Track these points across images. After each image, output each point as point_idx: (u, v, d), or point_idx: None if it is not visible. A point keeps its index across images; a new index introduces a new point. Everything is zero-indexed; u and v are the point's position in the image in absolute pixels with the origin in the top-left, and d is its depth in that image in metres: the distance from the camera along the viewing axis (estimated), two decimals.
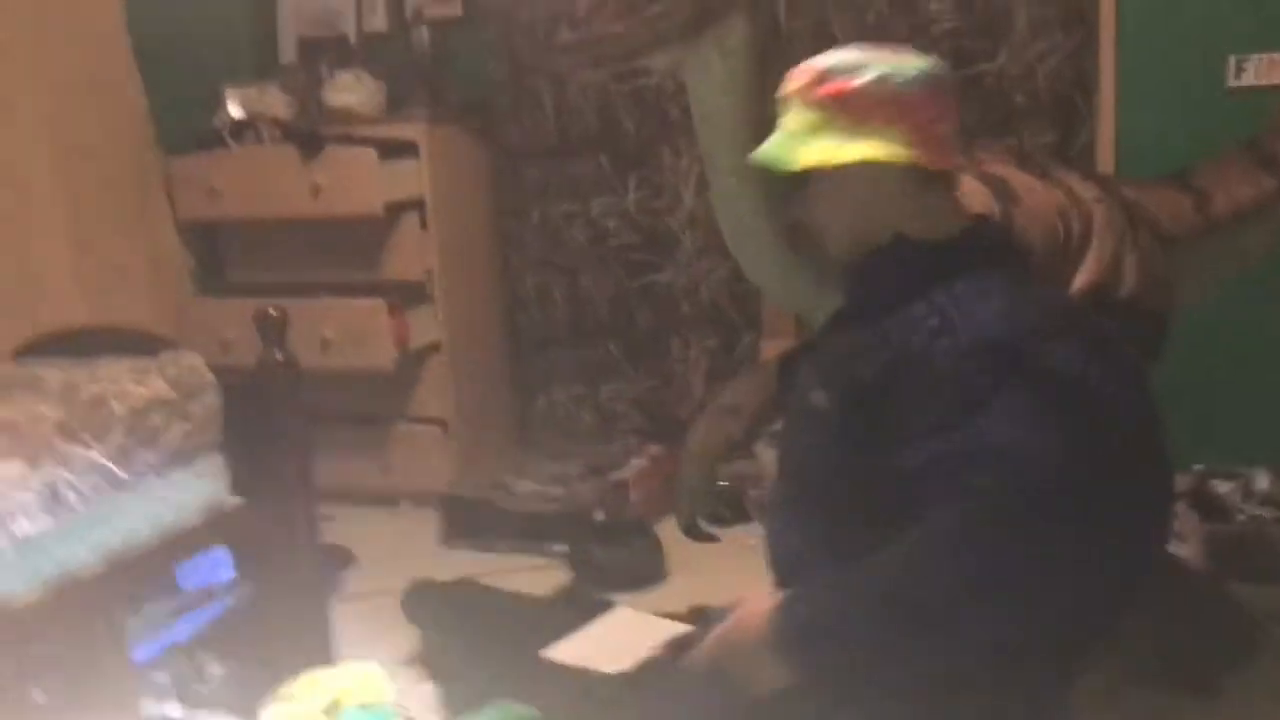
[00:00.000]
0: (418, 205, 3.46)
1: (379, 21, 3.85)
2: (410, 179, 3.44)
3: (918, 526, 1.30)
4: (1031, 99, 3.09)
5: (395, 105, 3.62)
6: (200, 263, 3.66)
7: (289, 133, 3.44)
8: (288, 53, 3.88)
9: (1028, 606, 1.30)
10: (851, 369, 1.42)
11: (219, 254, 3.71)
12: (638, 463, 3.38)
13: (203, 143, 3.55)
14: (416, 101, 3.59)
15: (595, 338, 3.71)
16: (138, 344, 2.79)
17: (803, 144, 1.47)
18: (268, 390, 2.59)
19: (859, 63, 1.46)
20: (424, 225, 3.46)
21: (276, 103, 3.58)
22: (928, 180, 1.48)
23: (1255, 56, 2.88)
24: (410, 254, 3.46)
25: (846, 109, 1.44)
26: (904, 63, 1.46)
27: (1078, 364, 1.32)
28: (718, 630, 1.43)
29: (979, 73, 3.13)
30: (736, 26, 1.81)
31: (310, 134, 3.39)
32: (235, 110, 3.58)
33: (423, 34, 3.64)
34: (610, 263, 3.66)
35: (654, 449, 3.48)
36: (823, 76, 1.47)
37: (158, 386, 2.46)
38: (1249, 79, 2.89)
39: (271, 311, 2.59)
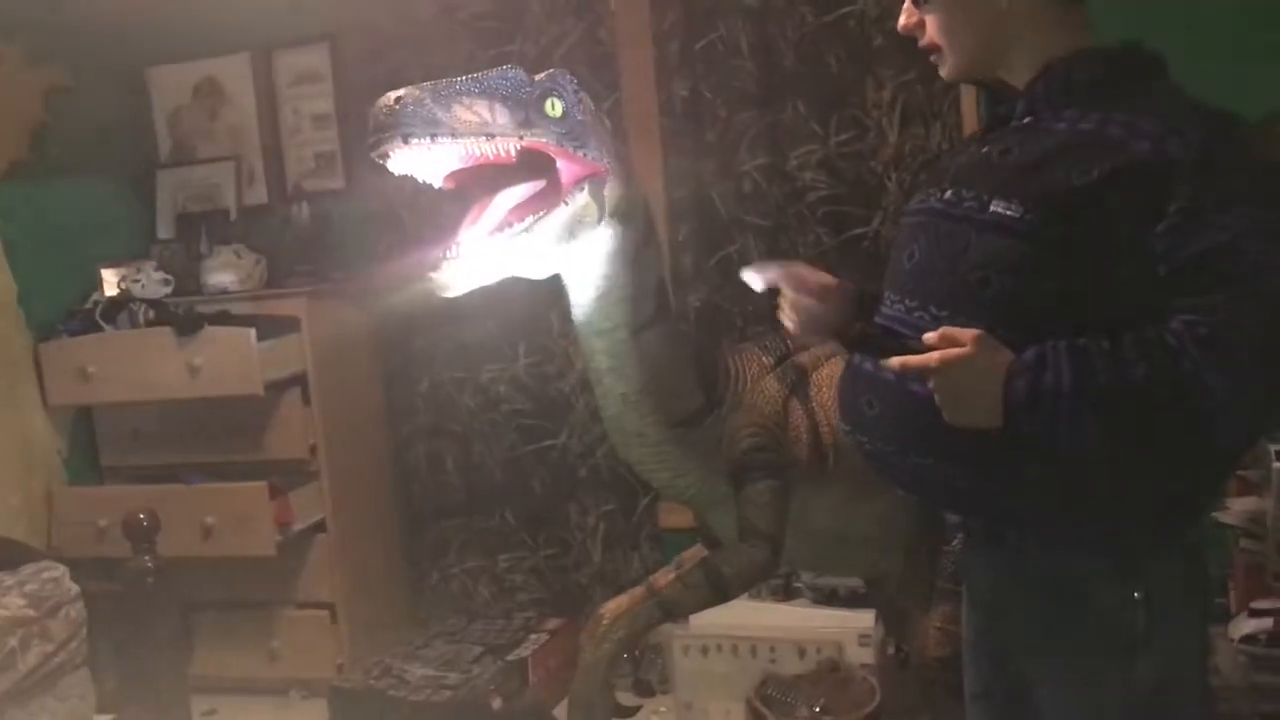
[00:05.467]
0: (300, 381, 3.38)
1: (259, 194, 3.82)
2: (292, 354, 3.37)
3: (1184, 325, 1.26)
4: (891, 39, 3.08)
5: (276, 278, 3.57)
6: (73, 448, 3.53)
7: (164, 313, 3.35)
8: (166, 228, 3.82)
9: (1262, 426, 1.32)
10: (1051, 175, 1.35)
11: (93, 439, 3.57)
12: (537, 638, 3.28)
13: (75, 325, 3.44)
14: (298, 274, 3.54)
15: (490, 506, 3.63)
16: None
17: None
18: (137, 599, 2.48)
19: None
20: (306, 401, 3.38)
21: (152, 281, 3.50)
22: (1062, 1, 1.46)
23: None
24: (293, 431, 3.37)
25: None
26: None
27: None
28: (959, 353, 1.32)
29: (841, 16, 3.17)
30: (612, 232, 1.80)
31: (186, 314, 3.31)
32: (110, 291, 3.49)
33: (303, 207, 3.62)
34: (502, 429, 3.60)
35: (554, 622, 3.39)
36: None
37: (15, 605, 2.34)
38: None
39: (140, 517, 2.49)
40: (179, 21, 3.78)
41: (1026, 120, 1.44)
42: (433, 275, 1.64)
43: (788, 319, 1.71)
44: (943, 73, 1.54)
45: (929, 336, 1.34)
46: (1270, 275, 1.26)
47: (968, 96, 3.10)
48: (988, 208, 1.38)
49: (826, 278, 1.71)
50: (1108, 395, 1.27)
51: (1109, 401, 1.28)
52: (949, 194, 1.46)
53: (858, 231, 3.21)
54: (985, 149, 1.47)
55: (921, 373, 1.35)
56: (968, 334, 1.32)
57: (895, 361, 1.37)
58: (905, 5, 1.54)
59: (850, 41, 3.17)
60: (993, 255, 1.38)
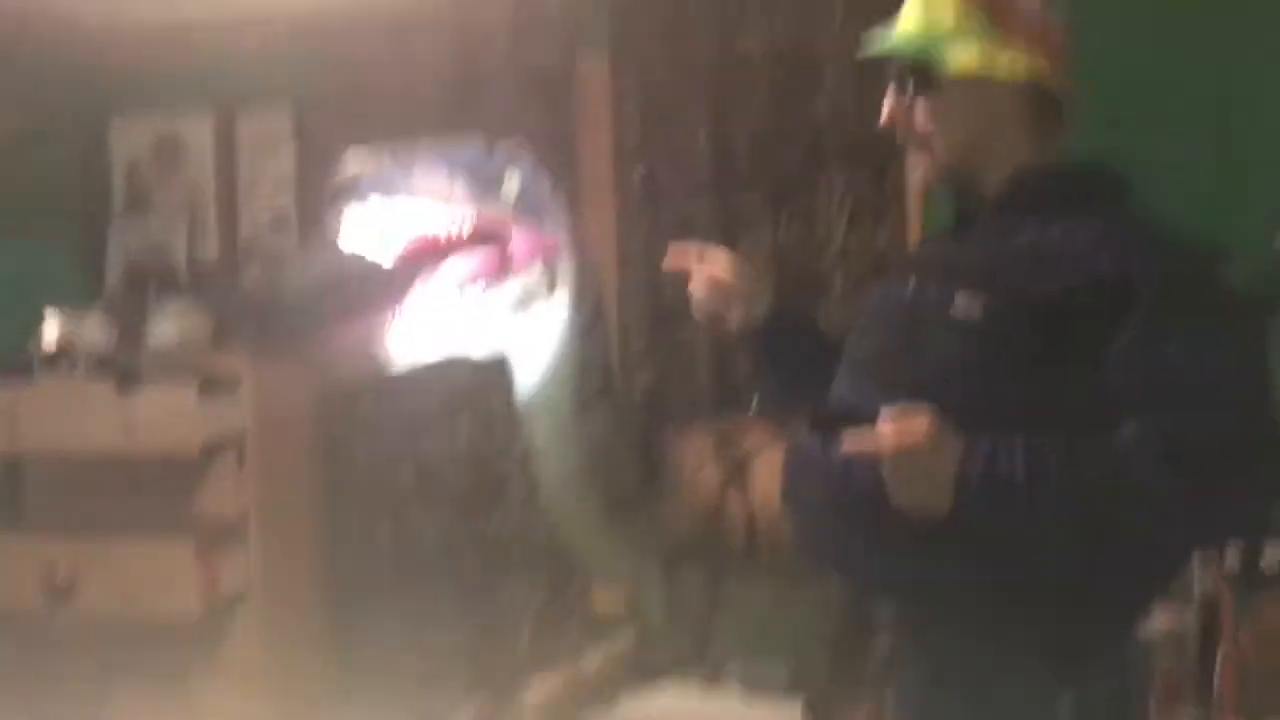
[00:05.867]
0: (237, 442, 3.33)
1: (211, 252, 3.80)
2: (231, 415, 3.32)
3: (1139, 436, 1.29)
4: (842, 139, 3.18)
5: (222, 337, 3.53)
6: None
7: (105, 365, 3.30)
8: (114, 281, 3.78)
9: (1205, 535, 1.41)
10: (1014, 282, 1.37)
11: (19, 489, 3.48)
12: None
13: (13, 373, 3.37)
14: (244, 335, 3.52)
15: (421, 583, 3.57)
16: None
17: (951, 42, 1.45)
18: (53, 656, 2.41)
19: None
20: (242, 463, 3.33)
21: (96, 333, 3.45)
22: (1041, 113, 1.48)
23: None
24: (226, 494, 3.30)
25: (1005, 19, 1.44)
26: None
27: (1246, 303, 1.41)
28: (913, 433, 1.32)
29: (796, 115, 3.25)
30: (561, 308, 1.82)
31: (127, 368, 3.26)
32: (50, 340, 3.44)
33: (255, 267, 3.60)
34: (439, 503, 3.56)
35: (480, 702, 3.33)
36: None
37: None
38: None
39: (61, 572, 2.42)
40: (145, 75, 3.79)
41: (994, 224, 1.48)
42: (380, 343, 1.65)
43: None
44: (924, 165, 1.55)
45: (884, 416, 1.34)
46: (1222, 397, 1.31)
47: (914, 201, 3.18)
48: (950, 305, 1.41)
49: (724, 265, 1.79)
50: (1058, 492, 1.30)
51: (1059, 498, 1.31)
52: (913, 288, 1.49)
53: None
54: (953, 248, 1.51)
55: (875, 453, 1.34)
56: (923, 415, 1.33)
57: (850, 440, 1.36)
58: (890, 97, 1.54)
59: (803, 140, 3.25)
60: (952, 352, 1.41)
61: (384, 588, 3.60)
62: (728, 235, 3.29)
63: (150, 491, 3.30)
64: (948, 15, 1.46)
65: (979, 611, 1.43)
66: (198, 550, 3.16)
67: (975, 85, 1.46)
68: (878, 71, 1.56)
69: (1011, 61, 1.44)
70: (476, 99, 3.49)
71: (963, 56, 1.45)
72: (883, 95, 1.56)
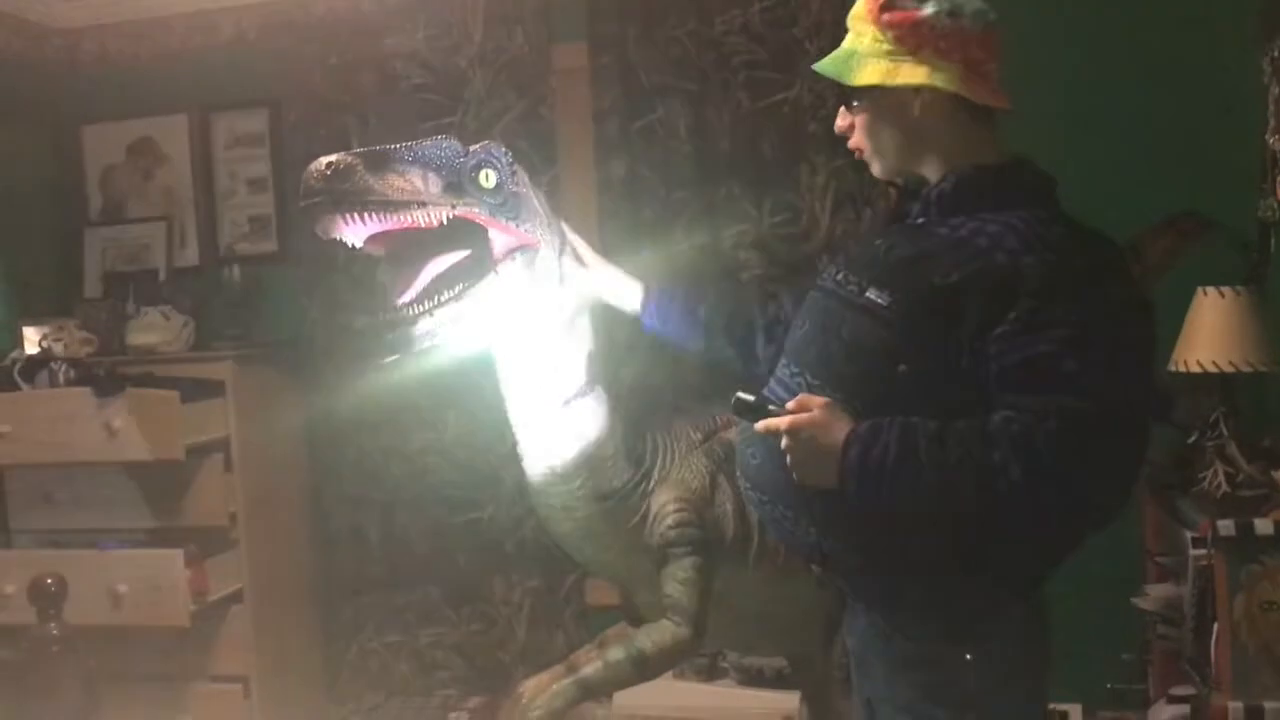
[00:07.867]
0: (223, 446, 3.31)
1: (190, 256, 3.78)
2: (215, 419, 3.31)
3: (1002, 420, 1.42)
4: (824, 125, 3.11)
5: (204, 342, 3.52)
6: None
7: (85, 373, 3.28)
8: (93, 287, 3.75)
9: (1071, 528, 1.50)
10: (921, 273, 1.50)
11: (3, 500, 3.45)
12: (457, 716, 3.21)
13: None
14: (225, 338, 3.50)
15: (413, 580, 3.56)
16: None
17: (861, 63, 1.57)
18: (41, 667, 2.39)
19: None
20: (228, 467, 3.31)
21: (75, 340, 3.42)
22: (972, 114, 1.58)
23: None
24: (213, 497, 3.28)
25: (909, 36, 1.55)
26: (966, 1, 1.57)
27: (1137, 305, 1.50)
28: (806, 417, 1.50)
29: (776, 102, 3.26)
30: (543, 303, 1.81)
31: (108, 374, 3.24)
32: (30, 349, 3.41)
33: (234, 270, 3.58)
34: (428, 500, 3.55)
35: (475, 700, 3.32)
36: (891, 1, 1.56)
37: None
38: None
39: (48, 581, 2.40)
40: (117, 80, 3.76)
41: (920, 220, 1.60)
42: (363, 342, 1.63)
43: None
44: (873, 171, 1.69)
45: (789, 404, 1.53)
46: (1081, 388, 1.41)
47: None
48: (864, 294, 1.56)
49: None
50: (925, 473, 1.44)
51: (925, 479, 1.44)
52: (840, 275, 1.63)
53: None
54: (879, 242, 1.63)
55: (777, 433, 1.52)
56: (817, 401, 1.52)
57: (760, 424, 1.55)
58: (840, 109, 1.68)
59: (784, 127, 3.24)
60: (860, 336, 1.55)
61: (375, 586, 3.59)
62: (711, 225, 3.28)
63: (136, 498, 3.28)
64: (864, 40, 1.59)
65: (883, 575, 1.60)
66: (186, 556, 3.13)
67: (887, 98, 1.59)
68: None
69: (910, 74, 1.55)
70: (454, 95, 3.46)
71: (862, 73, 1.58)
72: None
